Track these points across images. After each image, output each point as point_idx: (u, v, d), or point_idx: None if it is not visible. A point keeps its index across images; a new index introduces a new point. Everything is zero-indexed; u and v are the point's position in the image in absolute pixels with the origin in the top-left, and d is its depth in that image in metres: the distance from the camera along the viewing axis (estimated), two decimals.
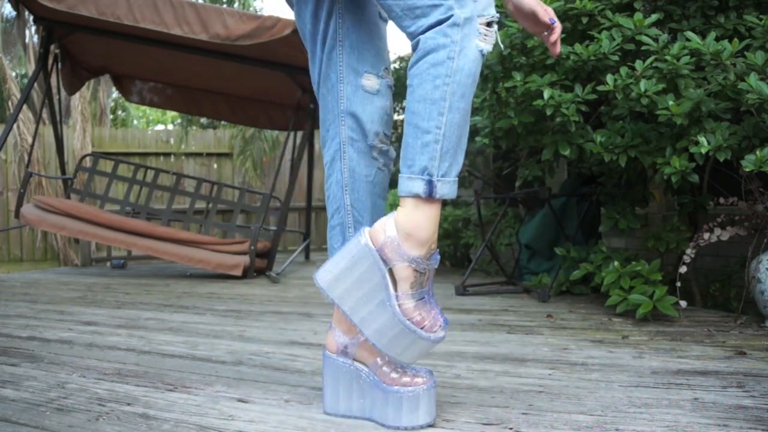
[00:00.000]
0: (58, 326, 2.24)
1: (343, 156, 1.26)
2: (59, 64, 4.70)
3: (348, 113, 1.25)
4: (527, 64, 2.52)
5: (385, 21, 1.31)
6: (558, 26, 1.32)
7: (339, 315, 1.26)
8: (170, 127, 13.67)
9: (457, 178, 1.12)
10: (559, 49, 1.34)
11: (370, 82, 1.24)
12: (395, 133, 4.72)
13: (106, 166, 6.21)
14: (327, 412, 1.22)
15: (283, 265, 4.41)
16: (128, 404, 1.29)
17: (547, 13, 1.31)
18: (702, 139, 2.02)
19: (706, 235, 2.24)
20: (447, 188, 1.10)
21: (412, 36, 1.11)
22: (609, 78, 2.16)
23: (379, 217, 1.30)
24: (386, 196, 1.31)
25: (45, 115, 6.65)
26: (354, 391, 1.20)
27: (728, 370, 1.52)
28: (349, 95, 1.24)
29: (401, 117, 5.10)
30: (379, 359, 1.19)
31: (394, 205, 4.35)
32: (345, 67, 1.24)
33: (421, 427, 1.13)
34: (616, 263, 2.33)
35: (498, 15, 1.15)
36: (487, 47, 1.12)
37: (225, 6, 8.31)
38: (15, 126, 7.05)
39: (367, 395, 1.19)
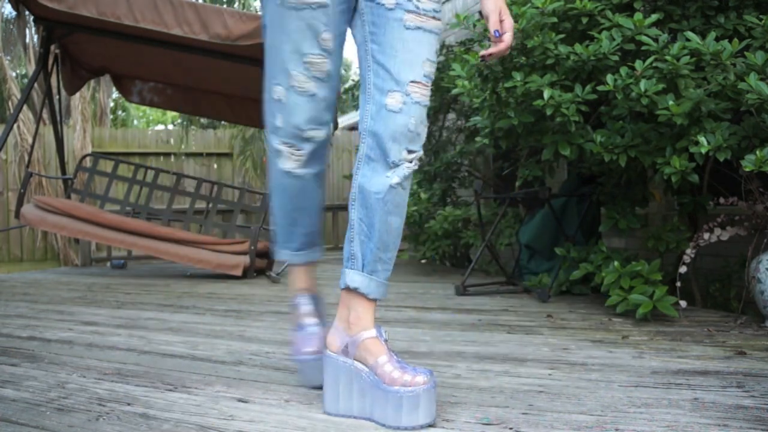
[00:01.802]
0: (58, 326, 2.24)
1: (357, 172, 1.27)
2: (59, 64, 4.69)
3: (369, 132, 1.24)
4: (527, 64, 2.51)
5: (411, 29, 1.24)
6: (503, 43, 1.26)
7: (341, 313, 1.26)
8: (170, 127, 13.68)
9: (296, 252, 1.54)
10: (487, 53, 1.28)
11: (394, 100, 1.22)
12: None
13: (106, 166, 6.20)
14: (327, 412, 1.22)
15: (283, 265, 4.41)
16: (128, 404, 1.29)
17: (498, 25, 1.27)
18: (702, 139, 2.02)
19: (706, 235, 2.24)
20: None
21: None
22: (609, 78, 2.16)
23: (388, 234, 1.24)
24: (401, 213, 1.26)
25: (45, 115, 6.65)
26: (354, 391, 1.20)
27: (728, 370, 1.52)
28: (373, 114, 1.23)
29: None
30: (379, 359, 1.19)
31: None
32: (372, 87, 1.25)
33: (421, 427, 1.13)
34: (616, 263, 2.33)
35: (297, 144, 1.32)
36: (288, 165, 1.34)
37: (225, 6, 8.31)
38: (15, 126, 7.05)
39: (367, 395, 1.19)
